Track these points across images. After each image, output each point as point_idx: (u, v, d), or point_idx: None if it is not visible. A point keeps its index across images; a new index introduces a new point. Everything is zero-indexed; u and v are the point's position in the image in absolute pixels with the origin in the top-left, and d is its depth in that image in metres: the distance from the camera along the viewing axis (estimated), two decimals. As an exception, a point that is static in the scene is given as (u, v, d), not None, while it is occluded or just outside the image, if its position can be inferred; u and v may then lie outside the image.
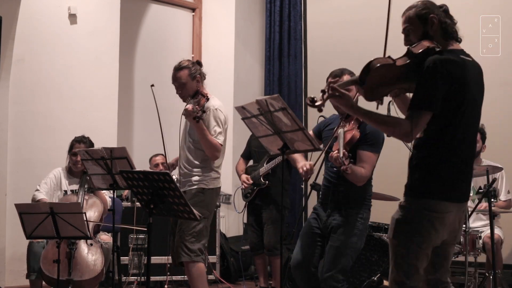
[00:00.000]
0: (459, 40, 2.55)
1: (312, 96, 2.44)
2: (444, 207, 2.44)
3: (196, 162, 3.82)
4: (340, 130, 3.16)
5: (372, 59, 2.45)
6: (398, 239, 2.49)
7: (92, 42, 5.69)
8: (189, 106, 3.59)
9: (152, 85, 3.93)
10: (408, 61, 2.46)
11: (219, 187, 3.94)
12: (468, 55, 2.53)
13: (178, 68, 3.85)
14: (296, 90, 6.83)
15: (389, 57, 2.48)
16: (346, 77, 3.27)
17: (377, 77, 2.43)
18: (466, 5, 5.25)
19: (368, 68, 2.43)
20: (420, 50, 2.44)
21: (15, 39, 5.25)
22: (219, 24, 6.91)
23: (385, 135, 3.18)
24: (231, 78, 6.66)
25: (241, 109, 3.03)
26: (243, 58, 6.89)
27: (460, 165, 2.48)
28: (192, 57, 6.91)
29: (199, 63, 3.94)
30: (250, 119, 3.03)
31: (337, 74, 3.33)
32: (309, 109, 6.14)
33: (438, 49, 2.46)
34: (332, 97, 2.45)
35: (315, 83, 6.22)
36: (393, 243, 2.51)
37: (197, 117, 3.55)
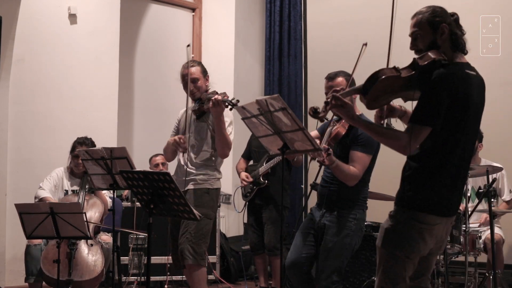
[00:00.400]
0: (465, 53, 2.52)
1: (315, 107, 2.45)
2: (433, 220, 2.45)
3: (200, 162, 3.78)
4: (329, 129, 3.25)
5: (378, 69, 2.46)
6: (386, 248, 2.50)
7: (92, 42, 5.69)
8: (219, 96, 3.50)
9: (188, 45, 3.83)
10: (413, 72, 2.46)
11: (220, 188, 3.93)
12: (472, 69, 2.50)
13: (192, 65, 3.85)
14: (296, 90, 6.83)
15: (394, 67, 2.49)
16: (340, 79, 3.32)
17: (381, 87, 2.45)
18: (466, 5, 5.25)
19: (374, 79, 2.45)
20: (426, 63, 2.43)
21: (15, 39, 5.25)
22: (219, 24, 6.92)
23: None
24: (231, 78, 6.66)
25: (241, 109, 3.03)
26: (243, 58, 6.89)
27: (453, 180, 2.48)
28: (192, 57, 6.92)
29: None
30: (250, 119, 3.02)
31: (331, 77, 3.37)
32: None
33: (444, 62, 2.43)
34: (335, 107, 2.47)
35: (315, 83, 6.22)
36: (381, 251, 2.52)
37: (231, 104, 3.41)
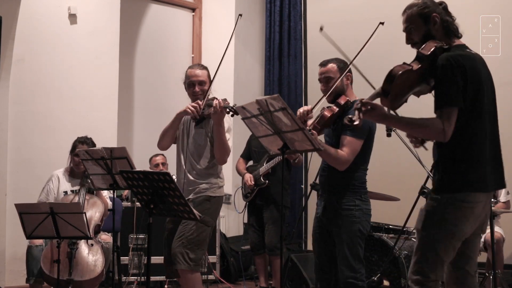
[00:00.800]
0: (459, 36, 2.60)
1: (349, 116, 2.48)
2: (474, 197, 2.47)
3: (201, 169, 3.66)
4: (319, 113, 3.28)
5: (390, 70, 2.49)
6: (427, 231, 2.50)
7: (92, 42, 5.69)
8: (220, 102, 3.41)
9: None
10: (421, 65, 2.51)
11: (223, 196, 3.81)
12: (470, 49, 2.58)
13: (201, 67, 3.79)
14: (296, 90, 6.84)
15: (404, 63, 2.53)
16: (330, 65, 3.38)
17: (400, 84, 2.48)
18: (466, 5, 5.25)
19: (391, 77, 2.48)
20: (430, 51, 2.49)
21: (15, 39, 5.25)
22: (219, 24, 6.92)
23: (372, 123, 3.21)
24: (231, 78, 6.67)
25: (241, 109, 3.03)
26: (243, 58, 6.89)
27: (485, 155, 2.50)
28: (192, 57, 6.92)
29: None
30: (250, 119, 3.02)
31: (323, 64, 3.42)
32: (309, 109, 6.13)
33: (445, 47, 2.51)
34: (367, 112, 2.48)
35: (315, 83, 6.18)
36: (422, 234, 2.52)
37: (234, 111, 3.31)
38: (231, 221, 6.67)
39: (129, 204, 5.14)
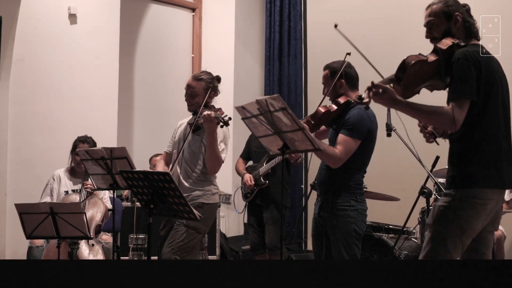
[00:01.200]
0: (478, 38, 2.67)
1: (359, 94, 2.50)
2: (487, 194, 2.49)
3: (195, 175, 3.65)
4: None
5: (405, 57, 2.54)
6: (439, 225, 2.52)
7: (92, 42, 5.69)
8: (211, 113, 3.39)
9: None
10: (436, 58, 2.55)
11: (217, 203, 3.80)
12: (486, 49, 2.64)
13: (197, 78, 3.69)
14: (296, 90, 6.84)
15: (420, 54, 2.57)
16: (325, 72, 3.37)
17: (413, 73, 2.52)
18: (466, 5, 5.25)
19: (404, 64, 2.52)
20: (447, 46, 2.55)
21: (15, 39, 5.25)
22: (219, 24, 6.92)
23: (372, 124, 3.22)
24: (231, 78, 6.67)
25: (241, 109, 3.03)
26: (243, 58, 6.90)
27: (500, 151, 2.52)
28: (192, 57, 6.92)
29: (218, 79, 3.74)
30: (250, 119, 3.02)
31: (323, 68, 3.43)
32: (309, 109, 6.14)
33: (462, 44, 2.57)
34: (376, 94, 2.49)
35: (315, 83, 6.21)
36: (433, 229, 2.54)
37: (223, 121, 3.32)
38: (231, 221, 6.67)
39: (129, 204, 5.14)
